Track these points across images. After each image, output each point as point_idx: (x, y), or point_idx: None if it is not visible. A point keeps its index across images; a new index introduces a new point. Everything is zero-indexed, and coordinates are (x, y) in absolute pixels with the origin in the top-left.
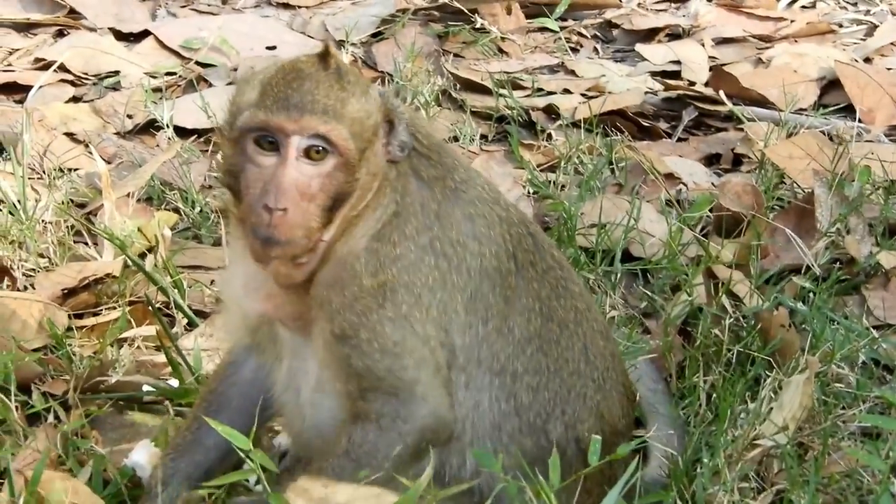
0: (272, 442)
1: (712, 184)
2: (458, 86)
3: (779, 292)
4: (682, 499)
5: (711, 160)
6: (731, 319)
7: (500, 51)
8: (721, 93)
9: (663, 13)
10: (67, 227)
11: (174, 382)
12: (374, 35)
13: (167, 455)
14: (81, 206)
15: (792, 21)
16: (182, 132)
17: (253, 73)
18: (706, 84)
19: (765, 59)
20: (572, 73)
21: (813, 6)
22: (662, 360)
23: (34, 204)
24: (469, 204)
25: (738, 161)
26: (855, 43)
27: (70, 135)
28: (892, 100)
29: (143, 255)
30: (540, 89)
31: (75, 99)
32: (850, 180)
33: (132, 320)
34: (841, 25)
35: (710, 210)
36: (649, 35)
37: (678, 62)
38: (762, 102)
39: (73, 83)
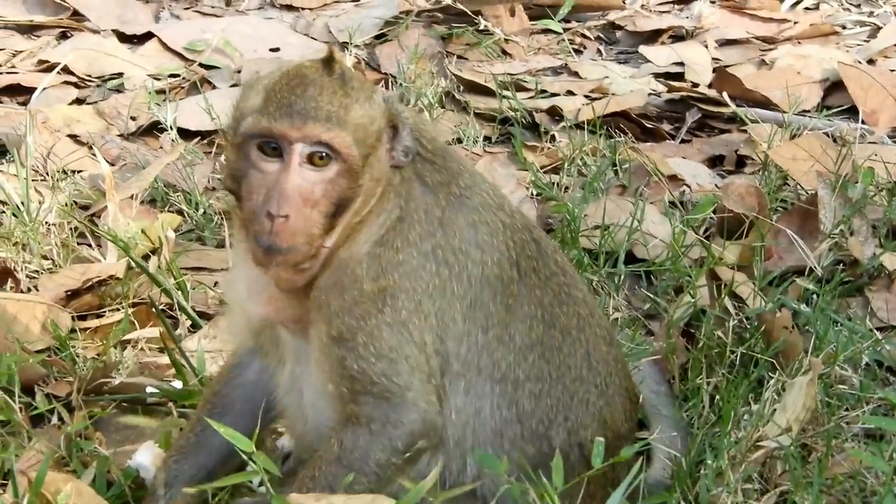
0: (275, 444)
1: (716, 185)
2: (462, 87)
3: (782, 294)
4: (686, 500)
5: (715, 162)
6: (735, 321)
7: (504, 52)
8: (724, 94)
9: (667, 15)
10: (71, 228)
11: (178, 384)
12: (377, 37)
13: (170, 457)
14: (85, 207)
15: (795, 23)
16: (185, 134)
17: (257, 78)
18: (709, 85)
19: (768, 60)
20: (576, 74)
21: (816, 8)
22: (666, 362)
23: (38, 206)
24: (473, 211)
25: (741, 163)
26: (858, 44)
27: (73, 137)
28: (895, 101)
29: (146, 257)
30: (543, 91)
31: (79, 101)
32: (853, 182)
33: (135, 322)
34: (844, 27)
35: (714, 212)
36: (653, 37)
37: (682, 64)
38: (765, 104)
39: (76, 85)
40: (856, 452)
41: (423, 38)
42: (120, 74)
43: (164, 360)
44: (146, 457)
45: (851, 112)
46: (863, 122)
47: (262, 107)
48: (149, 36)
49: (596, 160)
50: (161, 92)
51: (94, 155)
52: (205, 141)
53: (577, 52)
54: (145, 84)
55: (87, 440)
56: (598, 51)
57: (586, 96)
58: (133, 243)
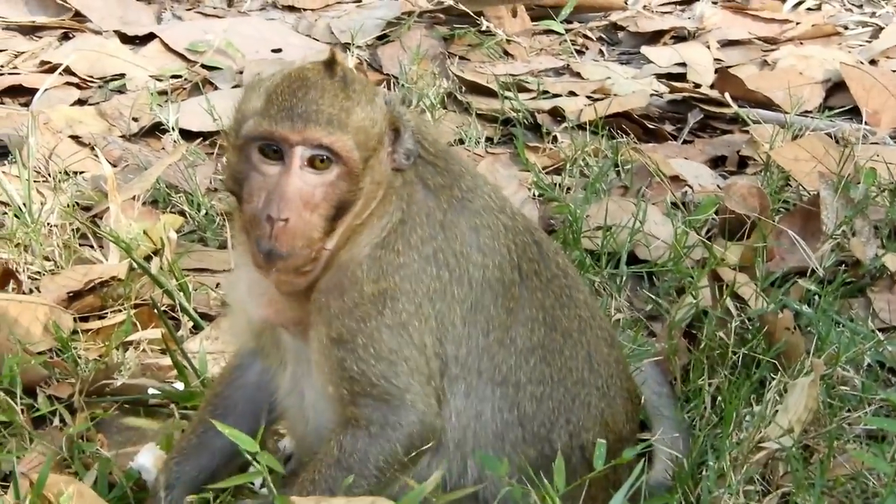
0: (277, 445)
1: (718, 186)
2: (464, 88)
3: (784, 295)
4: (688, 502)
5: (717, 162)
6: (737, 322)
7: (506, 53)
8: (726, 95)
9: (669, 15)
10: (73, 230)
11: (180, 385)
12: (379, 38)
13: (172, 458)
14: (87, 209)
15: (797, 23)
16: (187, 135)
17: (259, 80)
18: (711, 86)
19: (770, 61)
20: (578, 75)
21: (818, 8)
22: (667, 363)
23: (40, 207)
24: (475, 214)
25: (743, 163)
26: (860, 45)
27: (75, 138)
28: None
29: (148, 258)
30: (545, 92)
31: (81, 102)
32: (855, 182)
33: (137, 323)
34: (846, 27)
35: (716, 212)
36: (655, 37)
37: (683, 64)
38: (768, 105)
39: (78, 86)
40: (858, 454)
41: (425, 38)
42: (122, 75)
43: (166, 361)
44: (148, 458)
45: (853, 113)
46: (865, 122)
47: (263, 109)
48: (151, 37)
49: (598, 161)
50: (163, 93)
51: (96, 156)
52: (207, 142)
53: (579, 52)
54: (147, 85)
55: (88, 442)
56: (600, 51)
57: (588, 97)
58: (135, 244)
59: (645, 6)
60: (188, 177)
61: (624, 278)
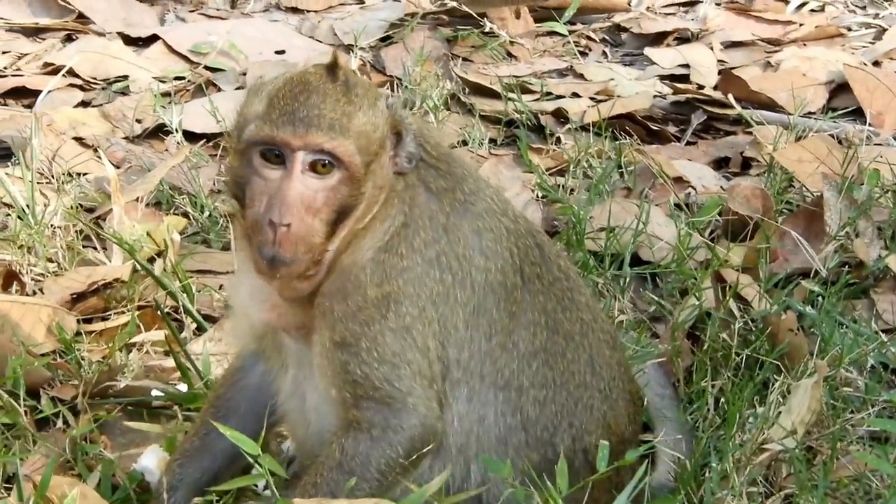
0: (280, 447)
1: (721, 187)
2: (467, 90)
3: (787, 296)
4: (691, 503)
5: (720, 164)
6: (740, 323)
7: (509, 55)
8: (730, 96)
9: (672, 17)
10: (76, 231)
11: (183, 387)
12: (382, 39)
13: (175, 460)
14: (90, 210)
15: (801, 24)
16: (191, 137)
17: (261, 84)
18: (715, 87)
19: (773, 62)
20: (581, 76)
21: (822, 10)
22: (670, 365)
23: (43, 209)
24: (477, 217)
25: (746, 164)
26: (864, 46)
27: (79, 139)
28: None
29: (151, 260)
30: (549, 93)
31: (84, 103)
32: (859, 184)
33: (141, 325)
34: (850, 29)
35: (719, 214)
36: (658, 39)
37: (687, 66)
38: (771, 106)
39: (81, 88)
40: (861, 455)
41: (428, 40)
42: (125, 77)
43: (170, 363)
44: (151, 460)
45: (857, 114)
46: (868, 123)
47: (265, 113)
48: (154, 38)
49: (601, 162)
50: (166, 94)
51: (100, 158)
52: (210, 143)
53: (583, 54)
54: (150, 87)
55: (92, 444)
56: (604, 53)
57: (592, 98)
58: (138, 246)
59: (648, 7)
60: (191, 178)
61: (627, 280)
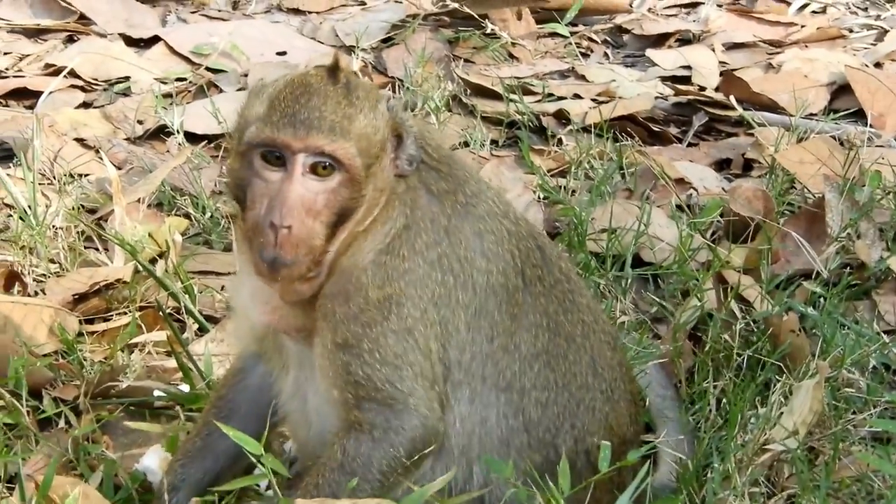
0: (282, 447)
1: (723, 189)
2: (469, 91)
3: (789, 297)
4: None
5: (722, 165)
6: (742, 324)
7: (511, 56)
8: (731, 98)
9: (674, 18)
10: (78, 232)
11: (185, 388)
12: (384, 40)
13: (177, 460)
14: (92, 211)
15: (802, 26)
16: (192, 138)
17: (262, 86)
18: (717, 89)
19: (775, 63)
20: (583, 78)
21: (823, 11)
22: (672, 366)
23: (45, 209)
24: (479, 220)
25: (748, 166)
26: (865, 48)
27: (80, 140)
28: None
29: (153, 261)
30: (550, 94)
31: (85, 105)
32: (860, 185)
33: (143, 326)
34: (851, 30)
35: (721, 215)
36: (660, 40)
37: (689, 67)
38: (773, 107)
39: (83, 89)
40: (863, 456)
41: (430, 41)
42: (127, 78)
43: (172, 363)
44: (153, 460)
45: (858, 115)
46: (870, 125)
47: (265, 115)
48: (155, 40)
49: (603, 164)
50: (168, 96)
51: (101, 159)
52: (211, 144)
53: (584, 55)
54: (152, 88)
55: (94, 444)
56: (605, 54)
57: (593, 100)
58: (140, 247)
59: (650, 9)
60: (193, 179)
61: (629, 281)
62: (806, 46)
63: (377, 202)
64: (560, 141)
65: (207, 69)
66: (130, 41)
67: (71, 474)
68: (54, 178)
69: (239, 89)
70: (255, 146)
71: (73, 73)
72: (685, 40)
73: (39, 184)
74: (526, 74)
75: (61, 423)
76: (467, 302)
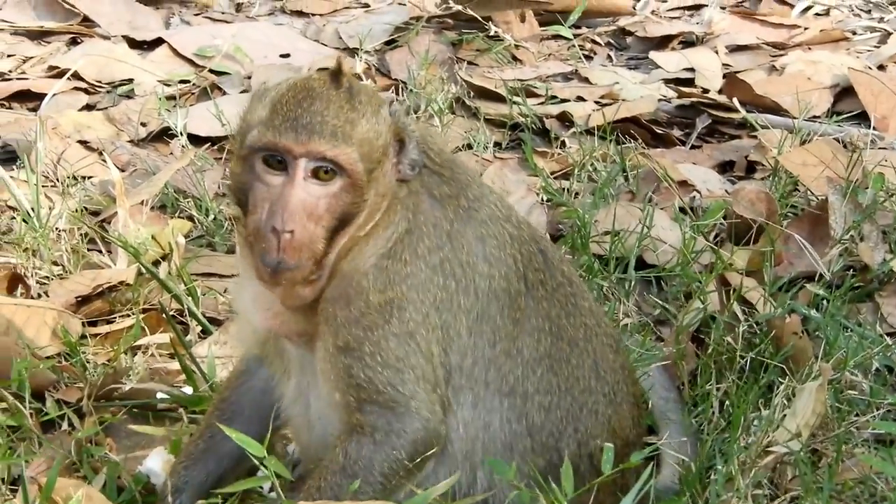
0: (285, 449)
1: (726, 191)
2: (472, 93)
3: (792, 299)
4: None
5: (725, 167)
6: (744, 327)
7: (514, 58)
8: (735, 100)
9: (677, 21)
10: (81, 234)
11: (188, 390)
12: (387, 43)
13: (180, 463)
14: (95, 213)
15: (805, 28)
16: (196, 140)
17: (264, 90)
18: (720, 91)
19: (778, 66)
20: (586, 80)
21: (826, 14)
22: (675, 368)
23: (48, 212)
24: (481, 224)
25: (751, 168)
26: (869, 50)
27: (84, 143)
28: None
29: (156, 263)
30: (554, 97)
31: (89, 107)
32: (863, 187)
33: (146, 328)
34: (854, 33)
35: (724, 217)
36: (663, 42)
37: (692, 69)
38: (776, 110)
39: (86, 91)
40: (866, 458)
41: (433, 43)
42: (130, 80)
43: (175, 365)
44: (156, 463)
45: (862, 118)
46: (873, 127)
47: (267, 120)
48: (159, 42)
49: (606, 166)
50: (171, 98)
51: (105, 161)
52: (215, 147)
53: (588, 57)
54: (155, 90)
55: (97, 446)
56: (609, 56)
57: (596, 102)
58: (143, 249)
59: (653, 11)
60: (196, 182)
61: (632, 283)
62: (809, 49)
63: (379, 207)
64: (563, 143)
65: (211, 71)
66: (134, 43)
67: (74, 476)
68: (57, 180)
69: (242, 91)
70: (257, 150)
71: (76, 76)
72: (688, 42)
73: (43, 186)
74: (529, 77)
75: (64, 426)
76: (469, 307)
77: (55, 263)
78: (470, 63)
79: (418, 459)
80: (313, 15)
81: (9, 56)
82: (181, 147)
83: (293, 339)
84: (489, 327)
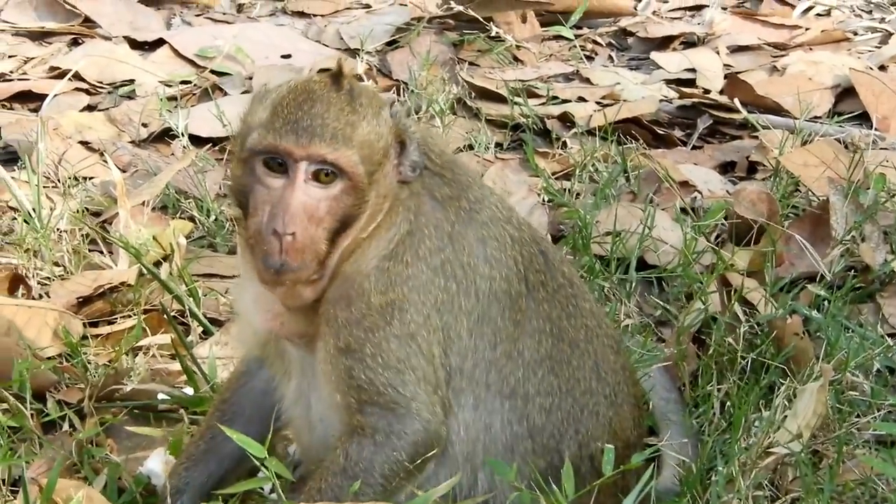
0: (286, 450)
1: (727, 191)
2: (474, 94)
3: (793, 300)
4: None
5: (726, 168)
6: (746, 327)
7: (515, 59)
8: (736, 100)
9: (678, 21)
10: (82, 235)
11: (189, 391)
12: (388, 43)
13: (181, 464)
14: (96, 214)
15: (807, 29)
16: (197, 141)
17: (265, 92)
18: (721, 92)
19: (780, 66)
20: (587, 81)
21: (828, 14)
22: (676, 369)
23: (49, 212)
24: (482, 226)
25: (752, 169)
26: (870, 51)
27: (85, 143)
28: None
29: (158, 264)
30: (555, 97)
31: (90, 107)
32: (865, 188)
33: (147, 329)
34: (856, 33)
35: (725, 218)
36: (664, 43)
37: (693, 70)
38: (777, 110)
39: (87, 92)
40: (867, 459)
41: (434, 44)
42: (131, 81)
43: (176, 366)
44: (157, 463)
45: (863, 118)
46: (874, 128)
47: (268, 122)
48: (160, 42)
49: (607, 166)
50: (172, 98)
51: (106, 161)
52: (216, 147)
53: (589, 58)
54: (157, 91)
55: (98, 447)
56: (610, 57)
57: (598, 102)
58: (145, 250)
59: (654, 12)
60: (197, 182)
61: (633, 284)
62: (810, 49)
63: (380, 208)
64: (564, 144)
65: (212, 72)
66: (135, 44)
67: (75, 477)
68: (59, 181)
69: (243, 92)
70: (258, 153)
71: (77, 76)
72: (689, 43)
73: (44, 187)
74: (530, 77)
75: (65, 427)
76: (470, 309)
77: (56, 264)
78: (471, 64)
79: (419, 461)
80: (314, 16)
81: (10, 57)
82: (182, 148)
83: (294, 340)
84: (490, 329)
